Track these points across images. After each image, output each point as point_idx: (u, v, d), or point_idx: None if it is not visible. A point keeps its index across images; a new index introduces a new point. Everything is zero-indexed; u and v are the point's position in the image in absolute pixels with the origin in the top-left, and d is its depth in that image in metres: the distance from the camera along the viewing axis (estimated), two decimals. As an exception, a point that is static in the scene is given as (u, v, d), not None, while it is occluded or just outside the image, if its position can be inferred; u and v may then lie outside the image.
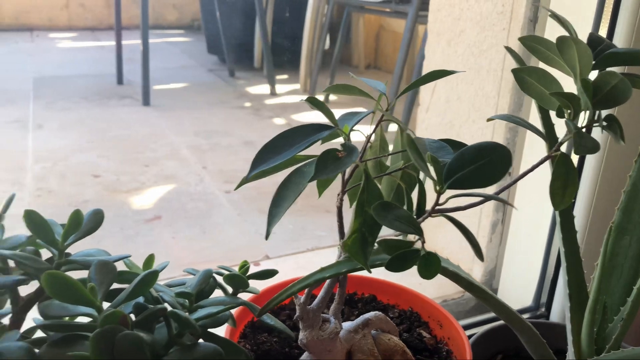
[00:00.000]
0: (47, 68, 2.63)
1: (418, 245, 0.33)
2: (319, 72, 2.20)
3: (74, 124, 1.81)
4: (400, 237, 0.36)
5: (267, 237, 0.36)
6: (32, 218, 0.36)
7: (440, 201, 0.34)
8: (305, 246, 1.10)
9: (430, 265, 0.32)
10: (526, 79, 0.41)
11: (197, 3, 3.96)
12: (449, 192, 0.35)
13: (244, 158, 1.59)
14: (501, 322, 0.65)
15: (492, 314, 0.82)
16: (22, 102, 2.03)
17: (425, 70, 1.00)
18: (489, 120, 0.42)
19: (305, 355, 0.46)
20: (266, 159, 0.32)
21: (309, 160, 0.35)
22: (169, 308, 0.33)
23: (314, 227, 1.17)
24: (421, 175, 0.38)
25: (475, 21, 0.89)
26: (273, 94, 2.29)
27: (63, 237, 0.38)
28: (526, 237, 0.84)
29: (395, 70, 1.73)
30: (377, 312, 0.48)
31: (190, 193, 1.34)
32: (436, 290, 0.95)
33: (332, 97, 2.21)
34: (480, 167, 0.30)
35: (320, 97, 2.21)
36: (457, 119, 0.93)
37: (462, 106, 0.92)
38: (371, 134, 0.41)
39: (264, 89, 2.38)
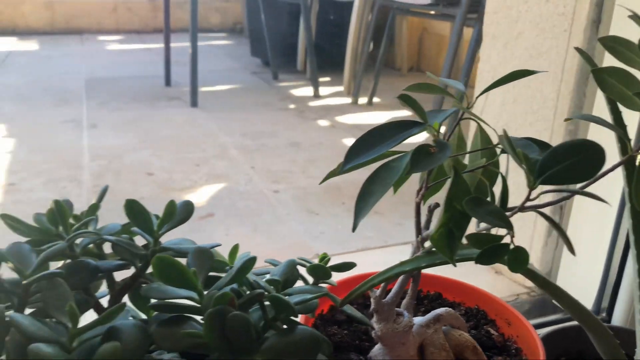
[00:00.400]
0: (97, 70, 2.72)
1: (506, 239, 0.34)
2: (363, 75, 2.22)
3: (126, 124, 1.87)
4: (484, 232, 0.36)
5: (353, 230, 0.37)
6: (132, 207, 0.39)
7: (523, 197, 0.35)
8: (354, 246, 1.11)
9: (520, 259, 0.33)
10: (607, 79, 0.41)
11: (240, 6, 4.03)
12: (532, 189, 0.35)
13: (290, 159, 1.61)
14: (563, 324, 0.65)
15: (550, 317, 0.81)
16: (76, 103, 2.10)
17: (480, 74, 1.00)
18: (566, 120, 0.42)
19: (377, 347, 0.48)
20: (359, 153, 0.34)
21: (397, 155, 0.37)
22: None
23: (363, 228, 1.18)
24: (503, 171, 0.39)
25: (534, 23, 0.89)
26: (316, 96, 2.31)
27: (159, 226, 0.40)
28: (585, 240, 0.83)
29: (442, 73, 1.73)
30: (447, 308, 0.49)
31: (240, 192, 1.37)
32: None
33: (376, 99, 2.21)
34: (573, 164, 0.31)
35: (364, 100, 2.22)
36: (513, 121, 0.92)
37: (518, 109, 0.92)
38: (451, 132, 0.42)
39: (307, 91, 2.41)
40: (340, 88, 2.44)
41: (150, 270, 0.42)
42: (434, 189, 0.45)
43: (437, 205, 0.48)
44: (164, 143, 1.71)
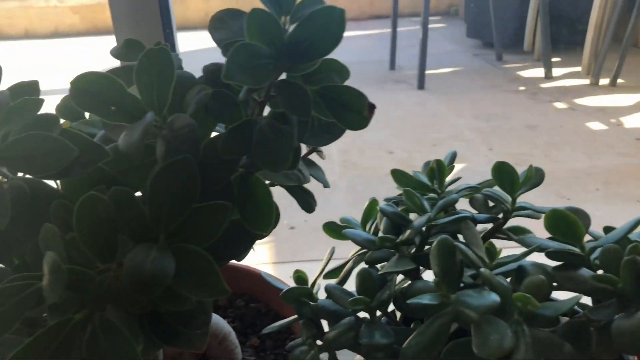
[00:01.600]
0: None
1: None
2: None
3: (361, 106, 2.01)
4: None
5: None
6: (500, 168, 0.44)
7: None
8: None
9: None
10: None
11: (456, -12, 3.98)
12: None
13: (529, 142, 1.57)
14: None
15: None
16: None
17: None
18: None
19: None
20: None
21: None
22: None
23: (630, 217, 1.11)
24: None
25: None
26: (548, 77, 2.19)
27: (517, 187, 0.45)
28: None
29: None
30: None
31: (482, 172, 1.38)
32: None
33: (619, 80, 2.02)
34: None
35: (605, 81, 2.05)
36: None
37: None
38: None
39: (536, 72, 2.30)
40: (574, 68, 2.28)
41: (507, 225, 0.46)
42: None
43: None
44: (399, 124, 1.80)
